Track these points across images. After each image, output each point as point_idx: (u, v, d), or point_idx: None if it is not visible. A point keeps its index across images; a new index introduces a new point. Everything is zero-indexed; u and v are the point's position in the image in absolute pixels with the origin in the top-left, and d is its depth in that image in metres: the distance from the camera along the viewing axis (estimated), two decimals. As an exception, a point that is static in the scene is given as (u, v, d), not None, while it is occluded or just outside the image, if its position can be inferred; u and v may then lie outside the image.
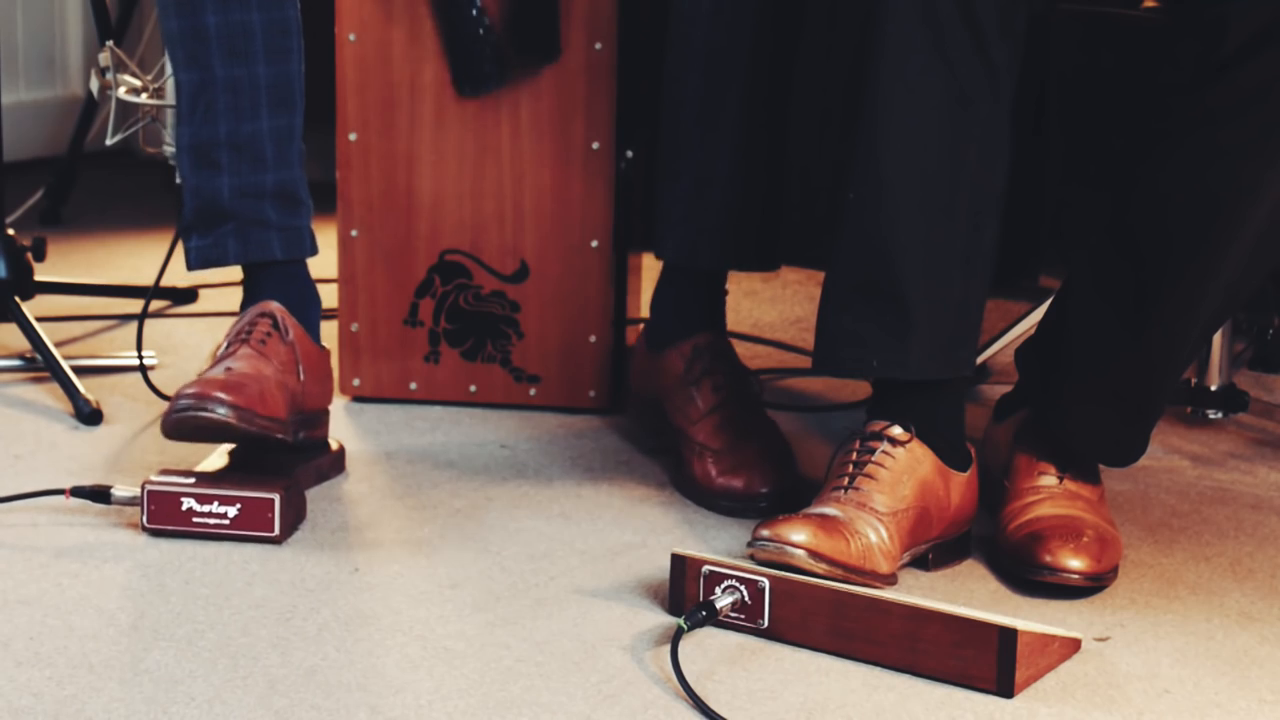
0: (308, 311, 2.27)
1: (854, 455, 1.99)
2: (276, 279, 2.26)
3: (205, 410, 2.02)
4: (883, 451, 1.98)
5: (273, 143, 2.23)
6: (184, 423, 2.03)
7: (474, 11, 2.37)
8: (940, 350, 2.01)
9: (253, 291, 2.27)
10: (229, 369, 2.09)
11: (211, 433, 2.04)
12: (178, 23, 2.20)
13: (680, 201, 2.28)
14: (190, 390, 2.04)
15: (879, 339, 1.99)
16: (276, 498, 2.03)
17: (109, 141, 3.12)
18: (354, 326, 2.52)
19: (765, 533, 1.87)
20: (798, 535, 1.86)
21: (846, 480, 1.97)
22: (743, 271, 2.36)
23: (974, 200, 1.99)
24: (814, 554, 1.85)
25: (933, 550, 2.02)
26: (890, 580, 1.91)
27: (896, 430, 1.99)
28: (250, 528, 2.03)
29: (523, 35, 2.38)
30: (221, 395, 2.03)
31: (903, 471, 1.97)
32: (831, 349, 2.02)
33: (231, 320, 2.29)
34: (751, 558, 1.88)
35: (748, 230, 2.29)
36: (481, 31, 2.38)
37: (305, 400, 2.19)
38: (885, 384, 2.03)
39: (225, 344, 2.18)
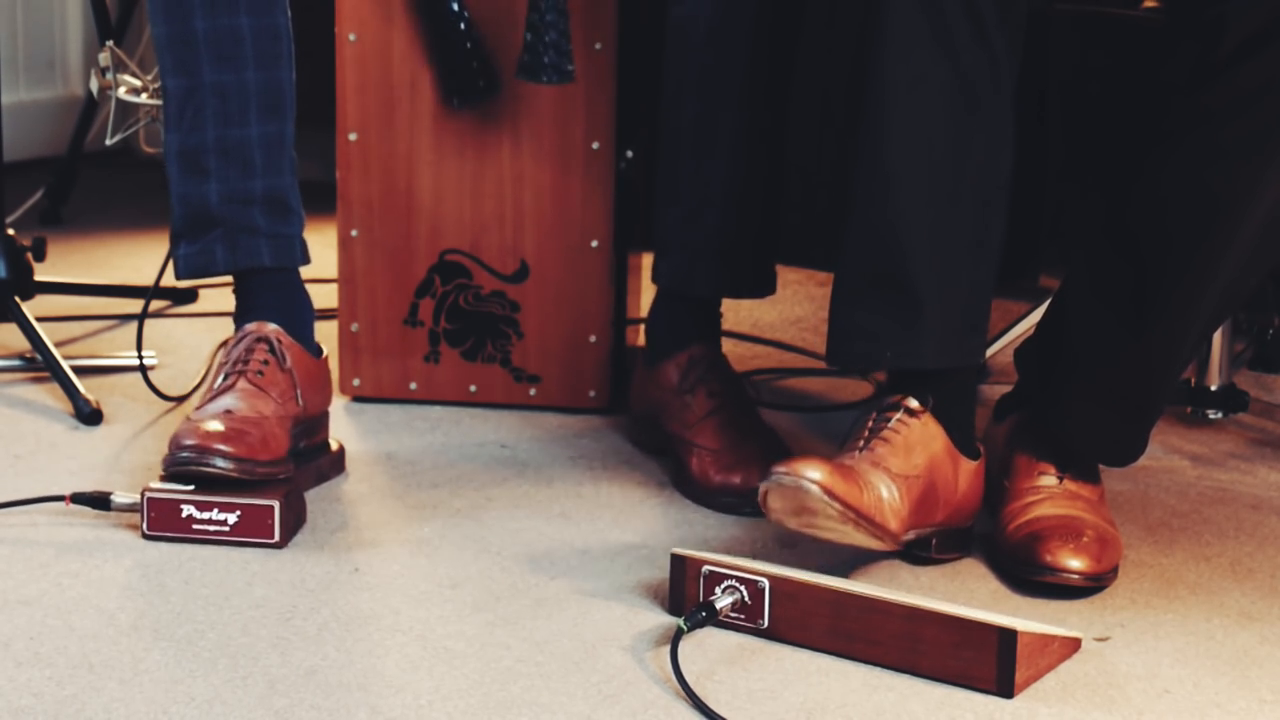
0: (301, 322, 2.26)
1: (870, 423, 1.99)
2: (268, 288, 2.25)
3: (205, 465, 2.04)
4: (898, 420, 1.99)
5: (262, 149, 2.23)
6: (185, 472, 2.05)
7: (462, 25, 2.37)
8: (952, 339, 2.01)
9: (245, 302, 2.26)
10: (228, 412, 2.10)
11: (212, 482, 2.05)
12: (166, 28, 2.19)
13: (675, 228, 2.29)
14: (190, 442, 2.04)
15: (891, 331, 1.99)
16: (276, 504, 2.03)
17: (109, 141, 3.13)
18: (354, 326, 2.52)
19: (781, 468, 1.86)
20: (813, 473, 1.85)
21: (861, 443, 1.97)
22: (736, 299, 2.37)
23: (980, 189, 2.00)
24: (828, 491, 1.84)
25: (937, 535, 2.02)
26: (896, 539, 1.91)
27: (913, 402, 2.00)
28: (250, 534, 2.03)
29: (536, 59, 2.38)
30: (222, 447, 2.04)
31: (916, 441, 1.97)
32: (844, 343, 2.02)
33: (230, 320, 2.29)
34: (764, 496, 1.87)
35: (741, 258, 2.30)
36: (470, 45, 2.38)
37: (305, 411, 2.20)
38: (899, 374, 2.04)
39: (222, 374, 2.17)
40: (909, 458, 1.96)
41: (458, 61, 2.39)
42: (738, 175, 2.26)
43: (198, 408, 2.14)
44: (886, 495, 1.91)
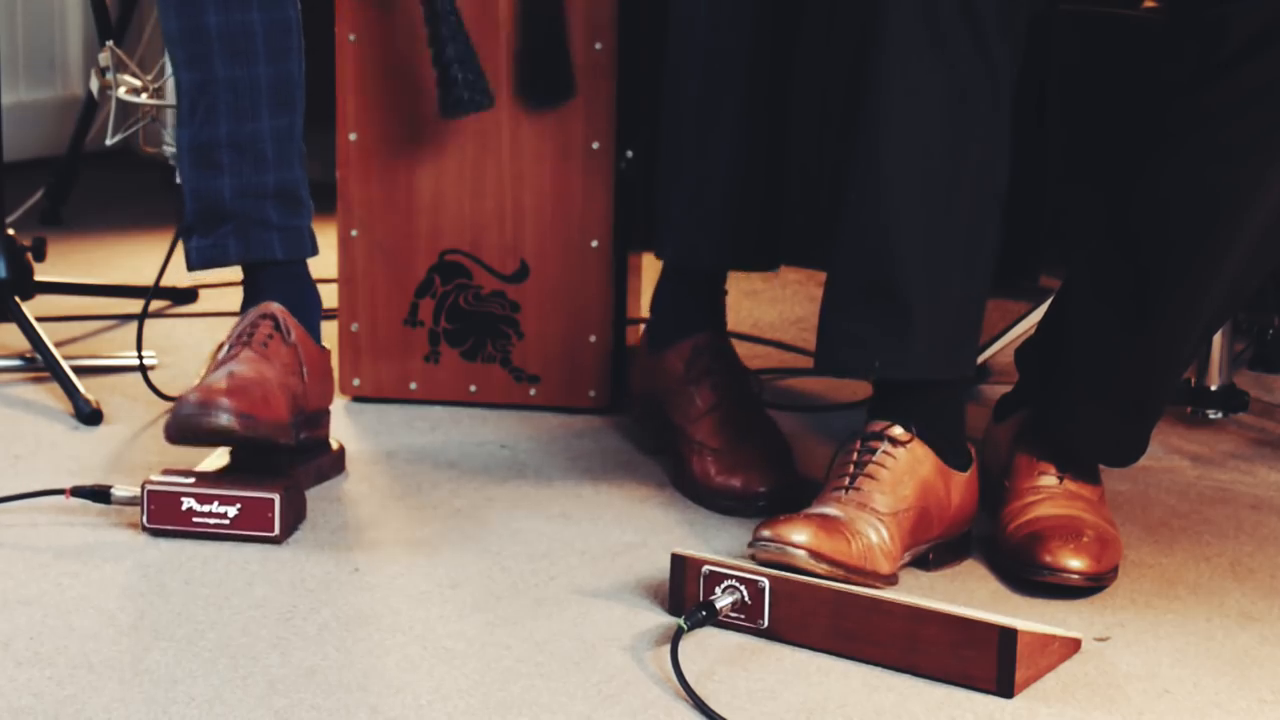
0: (309, 312, 2.27)
1: (855, 455, 1.99)
2: (277, 279, 2.26)
3: (209, 416, 2.02)
4: (883, 451, 1.98)
5: (274, 143, 2.23)
6: (187, 428, 2.04)
7: (460, 36, 2.37)
8: (941, 350, 2.01)
9: (253, 292, 2.27)
10: (231, 373, 2.09)
11: (215, 438, 2.04)
12: (178, 23, 2.19)
13: (680, 202, 2.29)
14: (193, 396, 2.04)
15: (879, 339, 1.99)
16: (276, 498, 2.03)
17: (109, 141, 3.12)
18: (354, 326, 2.52)
19: (766, 533, 1.87)
20: (799, 535, 1.86)
21: (847, 480, 1.97)
22: (742, 271, 2.37)
23: (974, 200, 1.99)
24: (815, 554, 1.85)
25: (933, 550, 2.02)
26: (891, 580, 1.91)
27: (897, 430, 1.99)
28: (250, 528, 2.03)
29: (537, 78, 2.38)
30: (225, 401, 2.03)
31: (903, 472, 1.97)
32: (832, 350, 2.02)
33: (232, 320, 2.29)
34: (752, 558, 1.88)
35: (747, 230, 2.29)
36: (459, 59, 2.38)
37: (307, 400, 2.19)
38: (886, 384, 2.03)
39: (227, 346, 2.17)
40: (897, 490, 1.96)
41: (452, 75, 2.39)
42: (742, 149, 2.25)
43: (202, 377, 2.14)
44: (876, 539, 1.91)
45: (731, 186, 2.26)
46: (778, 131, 2.28)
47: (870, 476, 1.96)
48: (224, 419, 2.03)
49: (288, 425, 2.10)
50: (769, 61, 2.25)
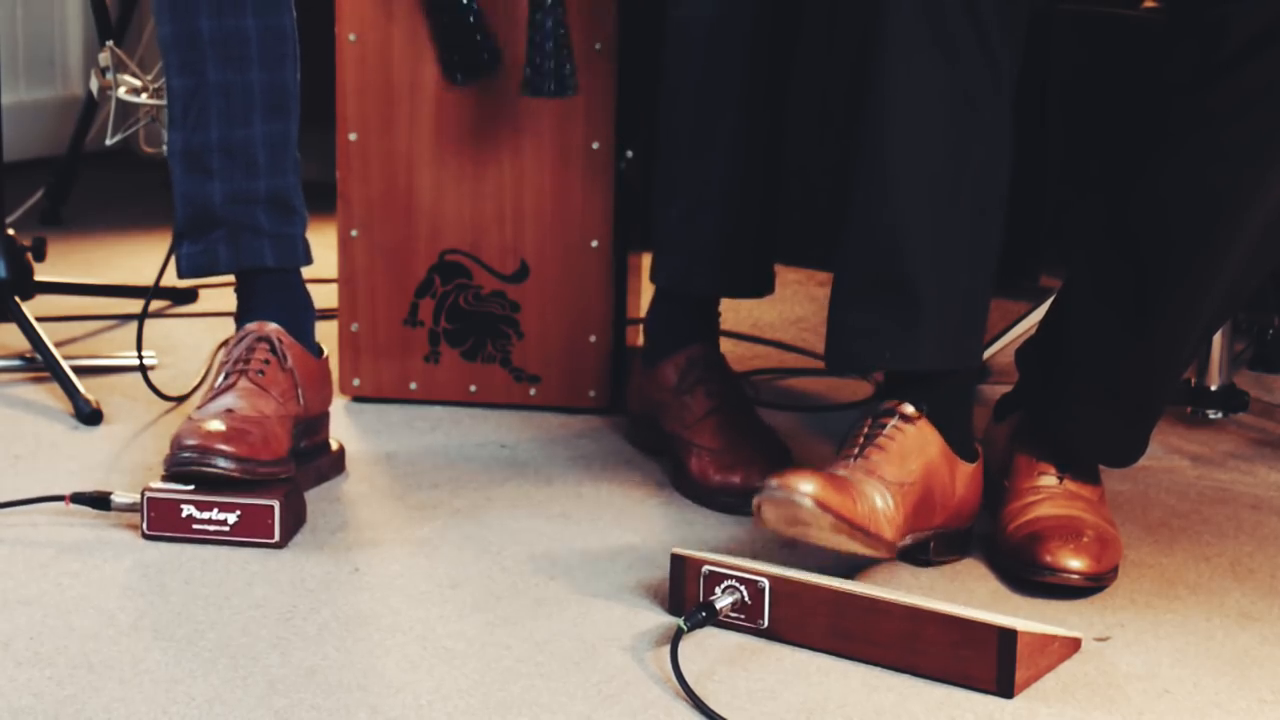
0: (302, 322, 2.26)
1: (865, 429, 1.99)
2: (269, 288, 2.25)
3: (208, 465, 2.03)
4: (893, 426, 1.99)
5: (266, 149, 2.23)
6: (186, 474, 2.05)
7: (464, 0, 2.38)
8: (950, 340, 2.01)
9: (246, 302, 2.26)
10: (229, 411, 2.09)
11: (215, 482, 2.05)
12: (172, 27, 2.19)
13: (673, 228, 2.29)
14: (191, 442, 2.04)
15: (890, 331, 1.99)
16: (276, 504, 2.03)
17: (109, 141, 3.13)
18: (354, 326, 2.52)
19: (774, 481, 1.86)
20: (806, 485, 1.85)
21: (856, 450, 1.97)
22: (736, 298, 2.37)
23: (979, 194, 2.00)
24: (821, 504, 1.84)
25: (934, 539, 2.02)
26: (891, 548, 1.91)
27: (908, 408, 2.00)
28: (250, 534, 2.03)
29: (541, 73, 2.39)
30: (223, 447, 2.03)
31: (911, 447, 1.97)
32: (843, 343, 2.03)
33: (231, 321, 2.29)
34: (758, 507, 1.87)
35: (740, 257, 2.30)
36: (472, 19, 2.38)
37: (306, 411, 2.20)
38: (897, 375, 2.04)
39: (223, 374, 2.17)
40: (904, 464, 1.96)
41: (460, 36, 2.39)
42: (736, 175, 2.26)
43: (199, 407, 2.14)
44: (881, 504, 1.91)
45: (724, 214, 2.27)
46: (772, 159, 2.28)
47: (879, 448, 1.97)
48: (223, 464, 2.03)
49: (288, 459, 2.10)
50: (763, 91, 2.25)
